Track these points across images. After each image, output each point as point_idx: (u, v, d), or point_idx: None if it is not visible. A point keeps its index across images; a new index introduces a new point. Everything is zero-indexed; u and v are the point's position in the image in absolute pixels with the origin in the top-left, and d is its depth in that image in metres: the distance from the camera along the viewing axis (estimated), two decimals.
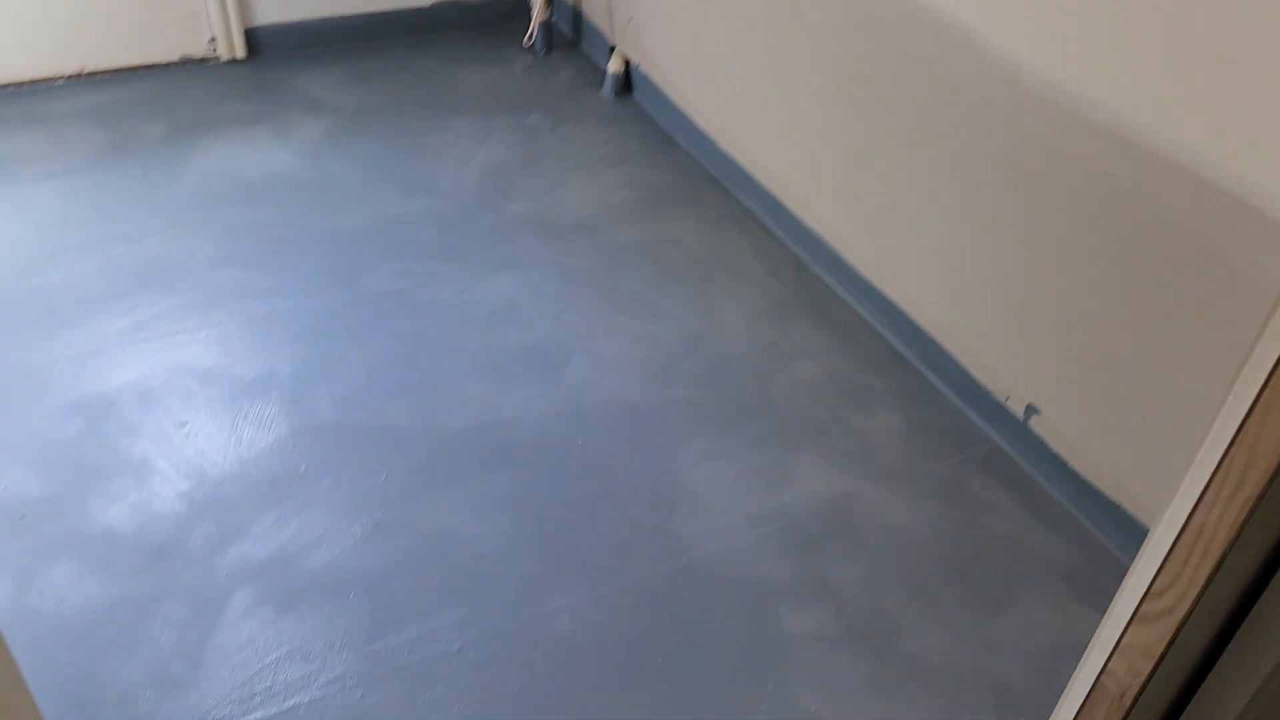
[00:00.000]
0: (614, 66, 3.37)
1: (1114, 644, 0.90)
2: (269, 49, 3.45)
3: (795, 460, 2.19)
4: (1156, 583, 0.84)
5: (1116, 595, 0.90)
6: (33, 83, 3.15)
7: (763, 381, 2.37)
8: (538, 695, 1.73)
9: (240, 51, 3.38)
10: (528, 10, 3.67)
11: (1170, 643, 0.84)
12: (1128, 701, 0.90)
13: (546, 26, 3.56)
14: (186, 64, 3.35)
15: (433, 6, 3.64)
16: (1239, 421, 0.74)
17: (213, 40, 3.33)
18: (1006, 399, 2.23)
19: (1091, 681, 0.93)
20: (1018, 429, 2.22)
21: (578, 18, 3.67)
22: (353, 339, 2.36)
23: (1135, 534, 2.00)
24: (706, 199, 2.93)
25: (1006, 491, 2.17)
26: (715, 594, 1.91)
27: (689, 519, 2.04)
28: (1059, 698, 0.99)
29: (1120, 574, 1.61)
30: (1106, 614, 0.91)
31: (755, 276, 2.67)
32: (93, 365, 2.23)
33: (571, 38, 3.74)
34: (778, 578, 1.95)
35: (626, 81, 3.40)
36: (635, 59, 3.33)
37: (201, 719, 1.64)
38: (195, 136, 3.01)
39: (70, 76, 3.20)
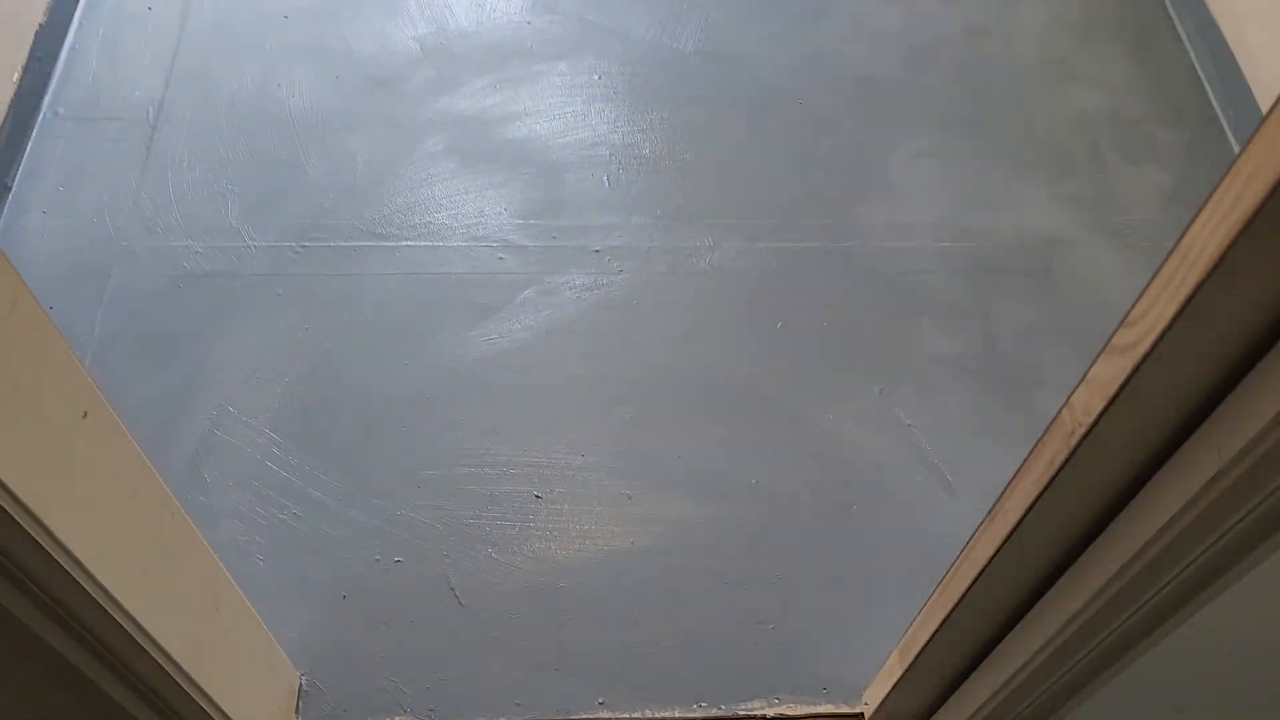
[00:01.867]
0: None
1: (1083, 374, 0.77)
2: None
3: (1022, 189, 1.96)
4: (1133, 311, 0.69)
5: None
6: None
7: (1030, 98, 2.08)
8: (651, 312, 1.77)
9: None
10: None
11: (1125, 382, 0.71)
12: (1074, 440, 0.78)
13: None
14: None
15: None
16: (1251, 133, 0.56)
17: None
18: None
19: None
20: None
21: None
22: None
23: None
24: None
25: None
26: (864, 285, 1.82)
27: (875, 206, 1.91)
28: None
29: None
30: None
31: None
32: None
33: None
34: (938, 294, 1.82)
35: None
36: None
37: (365, 228, 1.83)
38: None
39: None
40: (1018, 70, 2.13)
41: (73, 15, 2.03)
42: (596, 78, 2.06)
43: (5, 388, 0.68)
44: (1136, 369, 0.70)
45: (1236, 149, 1.97)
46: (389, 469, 1.60)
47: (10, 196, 1.81)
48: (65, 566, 0.77)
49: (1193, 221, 0.63)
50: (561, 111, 2.01)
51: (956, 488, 1.64)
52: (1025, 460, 0.87)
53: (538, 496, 1.59)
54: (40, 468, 0.72)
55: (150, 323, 1.70)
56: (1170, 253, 0.65)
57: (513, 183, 1.91)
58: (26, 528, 0.71)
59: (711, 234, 1.87)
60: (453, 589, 1.50)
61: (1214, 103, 2.09)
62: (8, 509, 0.69)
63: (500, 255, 1.82)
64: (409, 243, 1.82)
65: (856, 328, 1.78)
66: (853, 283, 1.83)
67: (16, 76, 1.83)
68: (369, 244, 1.82)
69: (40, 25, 1.91)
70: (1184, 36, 2.19)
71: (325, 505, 1.56)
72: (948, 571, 1.07)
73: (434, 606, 1.49)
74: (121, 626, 0.86)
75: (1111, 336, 0.72)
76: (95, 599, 0.81)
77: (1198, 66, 2.14)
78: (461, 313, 1.75)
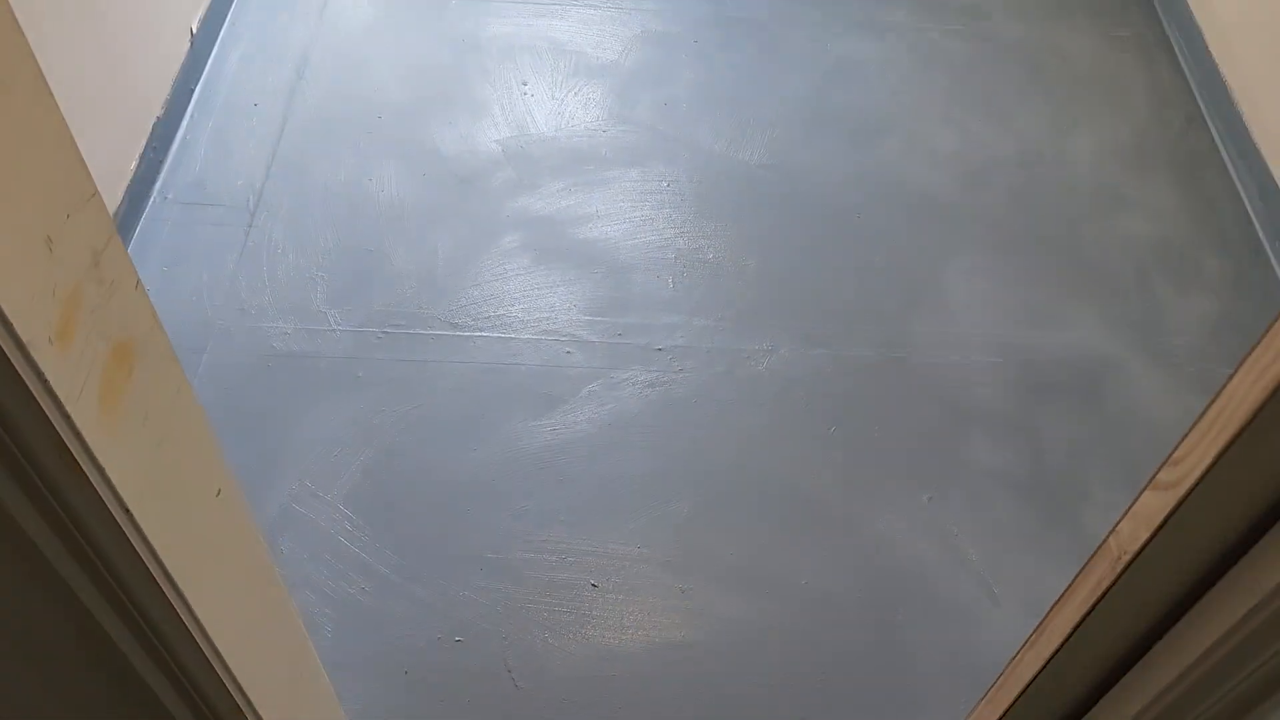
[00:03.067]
0: None
1: (1128, 507, 0.83)
2: None
3: (1071, 309, 2.03)
4: (1177, 451, 0.76)
5: None
6: None
7: (1081, 222, 2.17)
8: (709, 411, 1.85)
9: None
10: None
11: (1169, 517, 0.77)
12: (1120, 567, 0.84)
13: None
14: None
15: None
16: None
17: None
18: None
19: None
20: None
21: None
22: (696, 53, 2.44)
23: None
24: (1124, 15, 2.59)
25: None
26: (917, 395, 1.89)
27: (928, 319, 1.99)
28: None
29: None
30: None
31: (1133, 113, 2.37)
32: (478, 10, 2.50)
33: None
34: (988, 406, 1.88)
35: None
36: None
37: (442, 318, 1.94)
38: None
39: None
40: (1069, 194, 2.21)
41: (186, 108, 2.19)
42: (665, 185, 2.18)
43: (165, 471, 0.77)
44: (1179, 506, 0.76)
45: None
46: (454, 550, 1.67)
47: None
48: (192, 631, 0.85)
49: (1233, 375, 0.70)
50: (631, 215, 2.13)
51: (1001, 599, 1.68)
52: (1072, 583, 0.93)
53: (594, 585, 1.65)
54: (181, 541, 0.81)
55: (240, 398, 1.81)
56: (1211, 401, 0.72)
57: (583, 280, 2.02)
58: (168, 595, 0.80)
59: (770, 338, 1.95)
60: (509, 671, 1.56)
61: (1260, 233, 2.16)
62: (157, 579, 0.77)
63: (568, 349, 1.92)
64: (483, 333, 1.93)
65: (907, 435, 1.85)
66: (904, 391, 1.90)
67: (134, 164, 1.99)
68: (445, 333, 1.92)
69: (158, 118, 2.07)
70: (1231, 168, 2.27)
71: (392, 582, 1.63)
72: (993, 685, 1.12)
73: (491, 687, 1.55)
74: (228, 690, 0.94)
75: (1156, 473, 0.79)
76: (210, 663, 0.89)
77: (1244, 198, 2.22)
78: (529, 403, 1.84)
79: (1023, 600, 1.67)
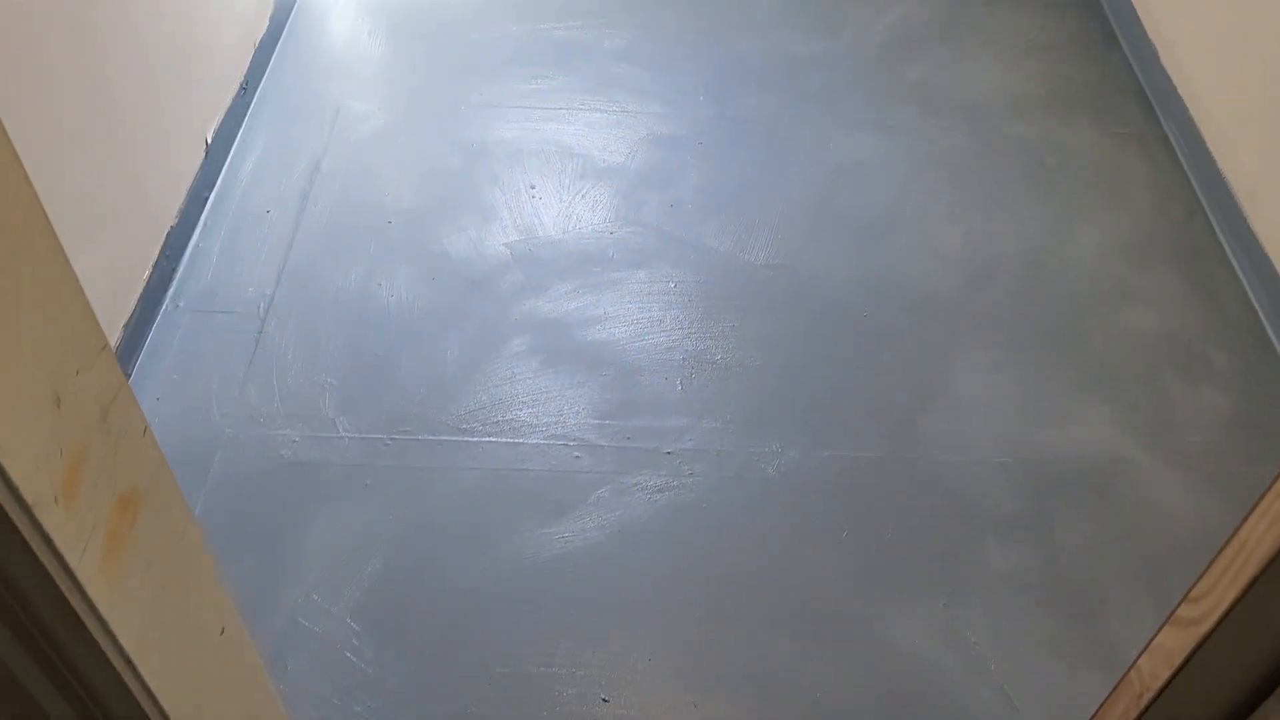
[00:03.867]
0: None
1: (1149, 640, 0.82)
2: None
3: (1082, 407, 2.02)
4: (1196, 588, 0.75)
5: None
6: None
7: (1088, 317, 2.17)
8: (720, 515, 1.83)
9: None
10: None
11: (1192, 654, 0.75)
12: (1144, 703, 0.82)
13: None
14: None
15: None
16: None
17: None
18: None
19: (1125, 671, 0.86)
20: None
21: None
22: (701, 154, 2.48)
23: None
24: (1122, 114, 2.63)
25: None
26: (928, 498, 1.87)
27: (937, 419, 1.98)
28: None
29: None
30: None
31: (1136, 207, 2.40)
32: (486, 116, 2.55)
33: None
34: (1001, 507, 1.86)
35: None
36: None
37: (451, 423, 1.94)
38: None
39: None
40: (1075, 290, 2.22)
41: (200, 217, 2.23)
42: (672, 285, 2.20)
43: (169, 616, 0.76)
44: (1201, 644, 0.74)
45: None
46: (461, 663, 1.64)
47: (129, 382, 1.95)
48: None
49: (1248, 516, 0.69)
50: (639, 317, 2.14)
51: (1022, 710, 1.64)
52: (1094, 715, 0.91)
53: (605, 700, 1.62)
54: (184, 685, 0.79)
55: (247, 508, 1.80)
56: (1229, 540, 0.71)
57: (591, 383, 2.02)
58: None
59: (779, 440, 1.95)
60: None
61: (1266, 326, 2.16)
62: None
63: (577, 454, 1.91)
64: (491, 439, 1.92)
65: (920, 538, 1.82)
66: (916, 493, 1.88)
67: (147, 273, 2.02)
68: (454, 438, 1.92)
69: (172, 226, 2.11)
70: (1234, 261, 2.28)
71: (398, 699, 1.60)
72: None
73: None
74: None
75: (1176, 609, 0.77)
76: None
77: (1249, 291, 2.22)
78: (538, 509, 1.83)
79: (1045, 711, 1.63)
